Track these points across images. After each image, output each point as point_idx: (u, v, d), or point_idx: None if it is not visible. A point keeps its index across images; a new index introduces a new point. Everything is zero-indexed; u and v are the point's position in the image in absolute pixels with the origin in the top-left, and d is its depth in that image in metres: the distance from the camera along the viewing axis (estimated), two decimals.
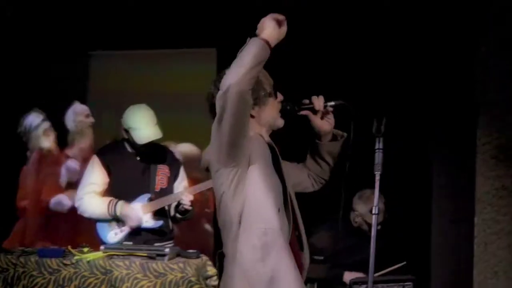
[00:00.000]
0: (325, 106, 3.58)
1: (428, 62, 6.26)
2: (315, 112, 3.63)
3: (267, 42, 3.28)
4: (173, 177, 5.58)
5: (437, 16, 6.10)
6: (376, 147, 3.47)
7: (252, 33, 3.30)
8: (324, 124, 3.66)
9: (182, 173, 5.65)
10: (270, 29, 3.30)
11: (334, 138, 3.74)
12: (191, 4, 6.82)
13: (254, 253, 3.33)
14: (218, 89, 3.31)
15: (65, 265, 4.94)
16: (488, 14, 5.72)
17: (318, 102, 3.59)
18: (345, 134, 3.72)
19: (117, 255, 5.06)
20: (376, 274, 5.04)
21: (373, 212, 3.49)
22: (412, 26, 6.35)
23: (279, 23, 3.34)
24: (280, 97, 3.59)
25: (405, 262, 5.41)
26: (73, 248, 5.15)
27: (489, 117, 5.72)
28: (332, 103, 3.59)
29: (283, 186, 3.52)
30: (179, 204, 5.38)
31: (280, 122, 3.58)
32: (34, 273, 4.96)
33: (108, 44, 7.27)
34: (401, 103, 6.21)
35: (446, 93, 6.10)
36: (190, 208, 5.35)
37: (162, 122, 5.47)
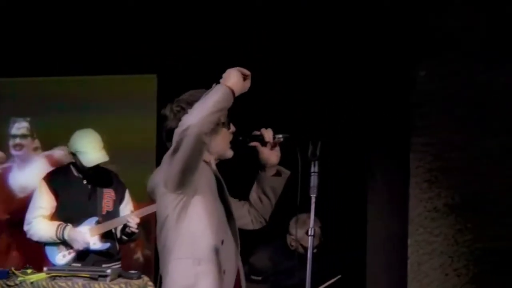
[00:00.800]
0: (274, 138, 3.61)
1: (363, 86, 6.28)
2: (264, 143, 3.63)
3: (232, 91, 3.33)
4: (119, 200, 5.63)
5: (374, 39, 6.15)
6: (312, 170, 3.46)
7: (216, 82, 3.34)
8: (271, 157, 3.65)
9: (127, 196, 5.70)
10: (236, 79, 3.35)
11: (278, 174, 3.74)
12: (131, 30, 6.83)
13: (185, 280, 3.38)
14: (174, 113, 3.42)
15: (9, 286, 4.97)
16: (426, 39, 5.80)
17: (268, 133, 3.61)
18: (289, 172, 3.73)
19: (59, 276, 5.08)
20: None
21: (309, 233, 3.50)
22: (346, 49, 6.37)
23: (244, 77, 3.40)
24: (232, 128, 3.61)
25: (340, 276, 5.50)
26: (17, 270, 5.16)
27: (422, 141, 5.77)
28: (281, 135, 3.62)
29: (228, 216, 3.54)
30: (125, 226, 5.42)
31: (230, 153, 3.60)
32: None
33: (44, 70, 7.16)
34: (336, 127, 6.22)
35: (380, 117, 6.13)
36: (136, 230, 5.41)
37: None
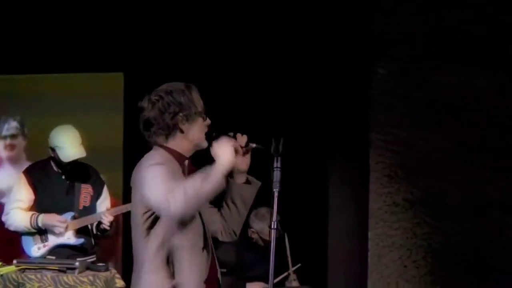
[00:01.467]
0: (246, 145, 3.57)
1: (324, 84, 6.34)
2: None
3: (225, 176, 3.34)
4: (96, 195, 5.76)
5: (334, 38, 6.22)
6: (274, 165, 3.47)
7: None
8: (242, 163, 3.55)
9: (105, 193, 5.83)
10: (230, 157, 3.33)
11: (248, 182, 3.65)
12: (98, 28, 6.86)
13: None
14: (152, 102, 3.43)
15: None
16: (385, 37, 5.85)
17: (242, 139, 3.56)
18: (259, 183, 3.67)
19: (29, 268, 5.19)
20: (277, 279, 5.32)
21: (272, 227, 3.48)
22: (308, 49, 6.44)
23: (236, 152, 3.40)
24: (208, 121, 3.59)
25: (300, 264, 5.62)
26: None
27: (382, 138, 5.83)
28: (254, 145, 3.58)
29: (203, 224, 3.53)
30: (99, 223, 5.53)
31: (205, 144, 3.54)
32: None
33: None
34: (298, 124, 6.29)
35: (341, 114, 6.21)
36: (108, 228, 5.52)
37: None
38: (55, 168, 5.67)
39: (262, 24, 6.60)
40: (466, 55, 5.69)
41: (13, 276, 5.11)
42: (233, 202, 3.63)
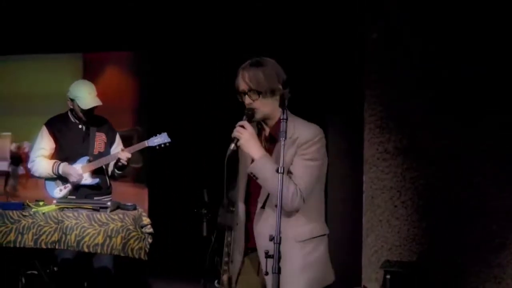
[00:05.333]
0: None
1: (327, 50, 6.56)
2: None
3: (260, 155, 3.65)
4: (110, 143, 6.10)
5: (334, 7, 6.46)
6: (282, 117, 3.58)
7: None
8: None
9: (118, 140, 6.16)
10: (251, 144, 3.68)
11: None
12: (59, 8, 7.07)
13: None
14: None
15: (24, 216, 5.37)
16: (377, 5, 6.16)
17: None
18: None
19: (67, 207, 5.48)
20: None
21: (280, 171, 3.50)
22: (309, 14, 6.66)
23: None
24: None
25: None
26: (30, 202, 5.60)
27: (375, 93, 6.22)
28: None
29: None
30: (117, 161, 5.86)
31: None
32: None
33: None
34: (302, 82, 5.96)
35: (339, 74, 6.45)
36: (126, 163, 5.85)
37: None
38: (72, 119, 6.01)
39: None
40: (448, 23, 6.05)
41: (54, 214, 5.34)
42: None
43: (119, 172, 6.02)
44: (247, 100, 3.78)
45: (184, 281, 7.02)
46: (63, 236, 5.34)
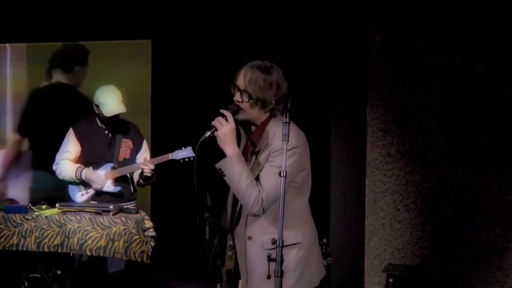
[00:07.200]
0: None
1: (329, 51, 6.47)
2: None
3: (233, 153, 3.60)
4: (136, 149, 6.05)
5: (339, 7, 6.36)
6: (284, 121, 3.50)
7: None
8: None
9: (144, 146, 6.11)
10: (227, 139, 3.62)
11: None
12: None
13: None
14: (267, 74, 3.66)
15: (27, 219, 5.41)
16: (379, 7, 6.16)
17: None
18: None
19: (69, 211, 5.50)
20: None
21: (282, 175, 3.44)
22: (313, 13, 6.60)
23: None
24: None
25: None
26: (33, 205, 5.62)
27: (378, 96, 6.20)
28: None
29: None
30: (142, 172, 5.80)
31: None
32: (1, 226, 5.43)
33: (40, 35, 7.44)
34: (306, 86, 6.40)
35: (342, 77, 6.33)
36: (149, 174, 5.77)
37: None
38: (99, 123, 5.97)
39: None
40: (452, 23, 6.04)
41: (56, 217, 5.39)
42: None
43: (145, 182, 5.95)
44: (237, 97, 3.74)
45: (186, 284, 6.99)
46: (66, 239, 5.38)
